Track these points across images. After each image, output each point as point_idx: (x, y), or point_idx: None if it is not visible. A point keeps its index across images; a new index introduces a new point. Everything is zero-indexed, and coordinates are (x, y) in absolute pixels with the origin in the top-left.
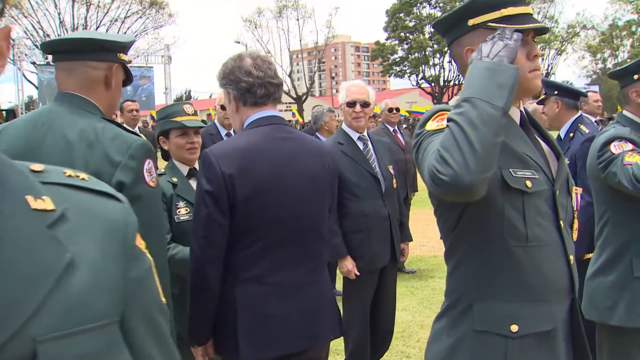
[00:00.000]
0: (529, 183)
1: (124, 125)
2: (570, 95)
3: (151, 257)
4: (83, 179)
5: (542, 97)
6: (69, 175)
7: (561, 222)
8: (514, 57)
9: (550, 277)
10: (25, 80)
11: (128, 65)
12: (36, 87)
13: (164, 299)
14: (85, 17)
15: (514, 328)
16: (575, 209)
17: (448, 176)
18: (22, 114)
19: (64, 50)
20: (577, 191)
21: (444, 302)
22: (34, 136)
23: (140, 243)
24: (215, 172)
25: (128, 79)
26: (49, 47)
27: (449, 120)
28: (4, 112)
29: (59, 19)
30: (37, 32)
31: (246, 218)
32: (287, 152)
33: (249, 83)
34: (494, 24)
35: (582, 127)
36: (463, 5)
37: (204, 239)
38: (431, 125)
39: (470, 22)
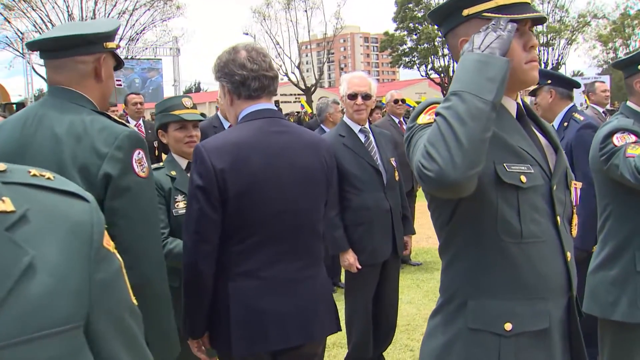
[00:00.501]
0: (523, 178)
1: (128, 117)
2: (563, 84)
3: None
4: (48, 178)
5: (535, 86)
6: (34, 175)
7: (558, 218)
8: (506, 49)
9: (546, 274)
10: (34, 73)
11: (137, 58)
12: (45, 80)
13: (135, 301)
14: (94, 10)
15: (508, 326)
16: (574, 204)
17: (433, 172)
18: None
19: (49, 49)
20: (576, 186)
21: (439, 298)
22: (25, 133)
23: (109, 244)
24: (206, 166)
25: (119, 64)
26: (34, 47)
27: (436, 114)
28: (14, 106)
29: (68, 12)
30: (45, 25)
31: (239, 213)
32: (281, 146)
33: (242, 76)
34: (489, 14)
35: (576, 115)
36: None
37: (196, 234)
38: (423, 119)
39: (465, 12)
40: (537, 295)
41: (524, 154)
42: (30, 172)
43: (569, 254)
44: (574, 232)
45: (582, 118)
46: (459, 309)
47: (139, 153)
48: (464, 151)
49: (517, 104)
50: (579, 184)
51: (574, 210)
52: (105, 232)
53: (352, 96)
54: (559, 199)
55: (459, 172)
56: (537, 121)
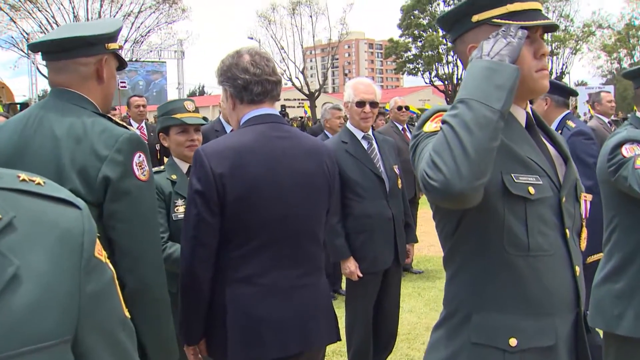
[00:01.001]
0: (531, 189)
1: (130, 120)
2: (559, 92)
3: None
4: (38, 183)
5: None
6: (23, 180)
7: (567, 231)
8: (516, 56)
9: (553, 289)
10: (39, 73)
11: (141, 60)
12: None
13: (127, 314)
14: (99, 12)
15: (513, 342)
16: (584, 216)
17: (438, 182)
18: None
19: (50, 51)
20: (586, 198)
21: (443, 310)
22: (25, 134)
23: (101, 253)
24: (205, 171)
25: (121, 65)
26: (36, 48)
27: (443, 122)
28: (18, 106)
29: (73, 13)
30: (51, 26)
31: (237, 218)
32: (282, 151)
33: (245, 80)
34: (499, 20)
35: (569, 122)
36: (467, 0)
37: (194, 239)
38: (429, 127)
39: (475, 18)
40: (543, 311)
41: (533, 164)
42: (19, 177)
43: (577, 268)
44: (583, 245)
45: (574, 125)
46: (462, 323)
47: (140, 156)
48: (471, 161)
49: (527, 113)
50: (589, 196)
51: (584, 223)
52: (98, 241)
53: (360, 104)
54: (568, 212)
55: (465, 182)
56: (547, 131)
